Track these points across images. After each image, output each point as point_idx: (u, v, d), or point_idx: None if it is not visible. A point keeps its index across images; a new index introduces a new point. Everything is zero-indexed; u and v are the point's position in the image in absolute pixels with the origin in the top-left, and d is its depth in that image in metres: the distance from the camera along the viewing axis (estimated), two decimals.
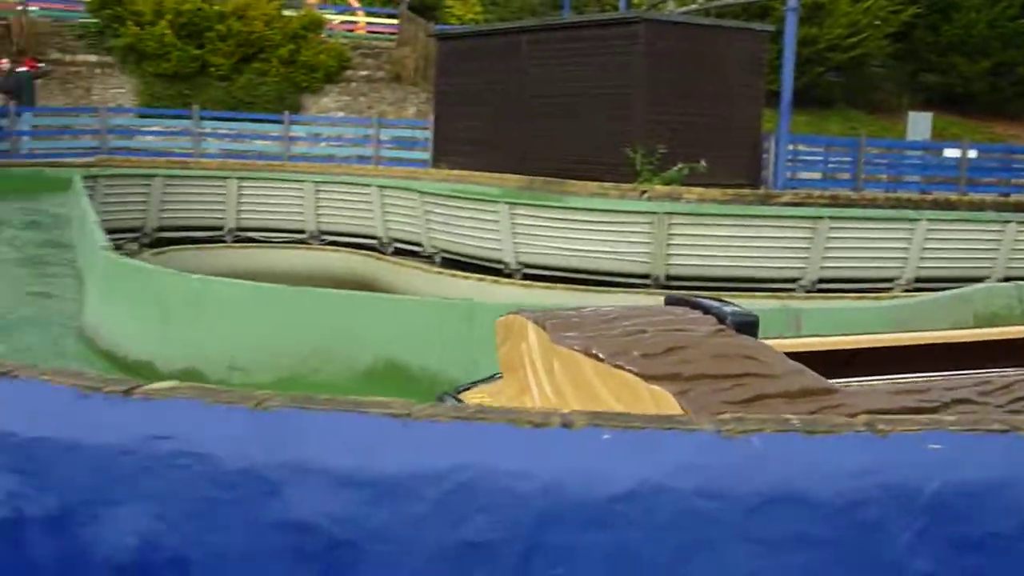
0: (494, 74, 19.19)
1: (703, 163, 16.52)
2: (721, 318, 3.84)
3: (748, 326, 3.81)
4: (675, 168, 16.36)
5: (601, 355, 3.49)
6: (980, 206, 18.09)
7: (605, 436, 2.04)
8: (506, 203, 14.81)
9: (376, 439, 2.14)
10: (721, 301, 3.94)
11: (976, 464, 1.99)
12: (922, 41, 33.00)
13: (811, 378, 3.25)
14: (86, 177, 15.66)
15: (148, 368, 5.32)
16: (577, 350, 3.63)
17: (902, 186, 20.85)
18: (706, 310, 3.88)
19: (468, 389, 4.00)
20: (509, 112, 18.73)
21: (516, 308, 4.43)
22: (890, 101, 34.09)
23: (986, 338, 4.23)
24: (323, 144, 22.63)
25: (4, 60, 20.30)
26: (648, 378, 3.24)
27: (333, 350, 4.83)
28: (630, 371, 3.32)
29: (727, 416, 2.07)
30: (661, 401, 3.08)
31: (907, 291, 13.79)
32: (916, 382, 3.48)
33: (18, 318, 7.23)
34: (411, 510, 2.08)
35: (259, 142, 21.69)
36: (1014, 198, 19.75)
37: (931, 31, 32.71)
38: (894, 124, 31.89)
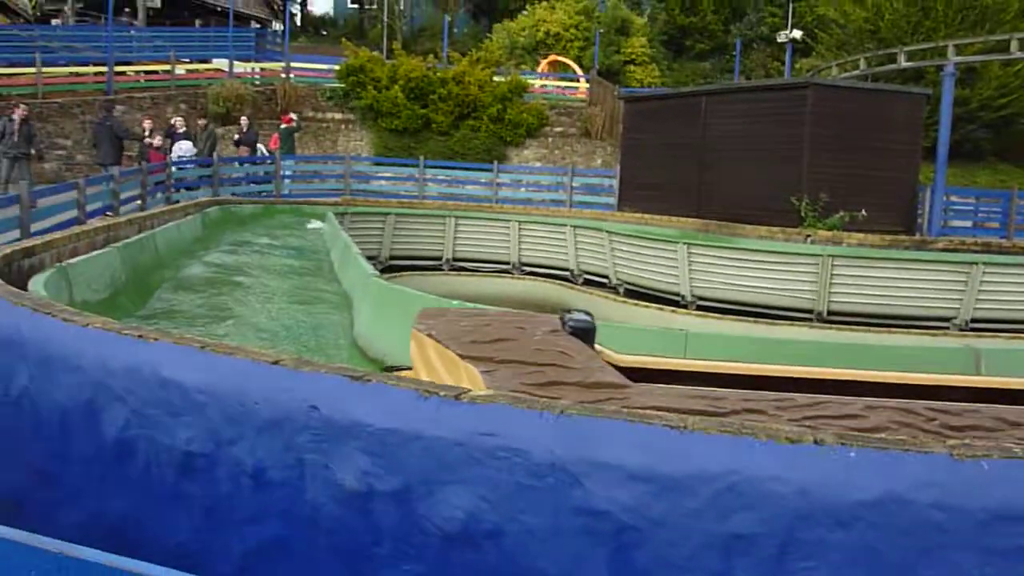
0: (675, 131, 19.19)
1: (863, 212, 16.04)
2: (563, 323, 3.95)
3: (583, 332, 3.87)
4: (837, 216, 15.95)
5: (439, 337, 3.69)
6: None
7: (851, 454, 2.15)
8: (684, 243, 14.80)
9: (658, 443, 2.34)
10: (584, 313, 4.01)
11: None
12: None
13: (609, 374, 3.29)
14: (336, 214, 16.59)
15: None
16: (423, 332, 3.94)
17: None
18: (562, 319, 4.03)
19: (399, 370, 4.26)
20: (687, 163, 18.69)
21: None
22: None
23: (876, 379, 3.95)
24: (523, 189, 22.97)
25: (243, 118, 20.99)
26: (465, 357, 3.41)
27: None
28: (454, 351, 3.48)
29: (957, 442, 2.14)
30: (471, 377, 3.27)
31: None
32: (716, 391, 3.37)
33: (300, 327, 7.79)
34: (687, 504, 2.25)
35: (471, 187, 22.22)
36: None
37: None
38: None
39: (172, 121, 19.34)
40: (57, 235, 7.65)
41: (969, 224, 20.03)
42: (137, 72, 25.59)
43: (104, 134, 16.66)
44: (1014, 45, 18.31)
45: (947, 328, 12.96)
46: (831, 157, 16.31)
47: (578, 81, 30.88)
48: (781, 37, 33.34)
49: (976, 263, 13.12)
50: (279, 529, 2.74)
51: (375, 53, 28.37)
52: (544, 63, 32.22)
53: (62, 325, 3.43)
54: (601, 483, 2.31)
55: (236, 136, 20.71)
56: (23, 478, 3.51)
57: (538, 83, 29.31)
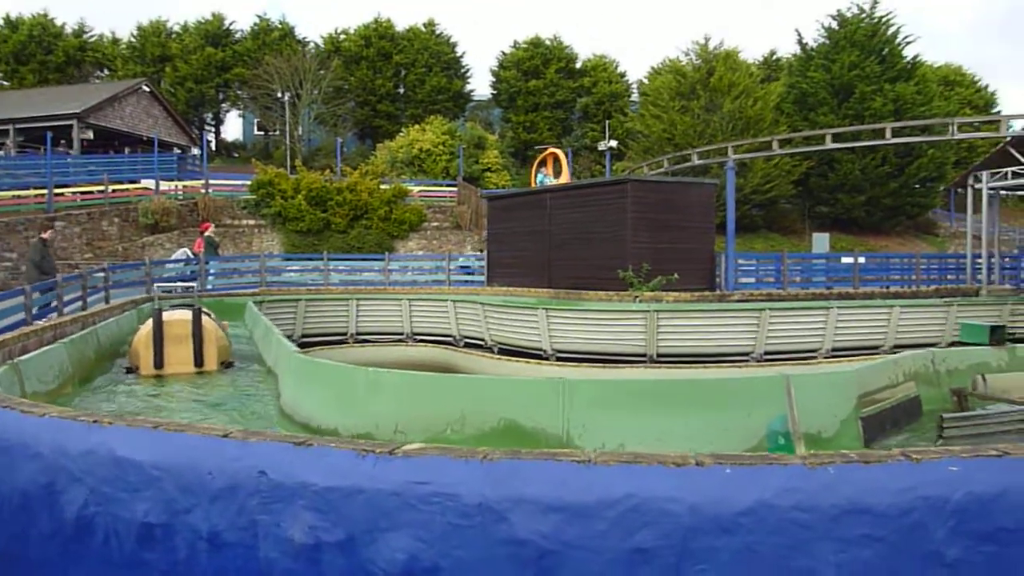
0: (527, 220, 19.48)
1: (675, 276, 16.62)
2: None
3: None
4: (656, 280, 16.45)
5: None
6: (871, 296, 18.03)
7: (727, 470, 2.10)
8: (543, 308, 14.85)
9: (568, 477, 2.22)
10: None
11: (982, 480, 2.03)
12: (816, 184, 33.34)
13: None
14: (255, 302, 15.82)
15: (335, 433, 5.34)
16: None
17: (813, 285, 20.79)
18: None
19: None
20: (539, 246, 18.96)
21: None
22: (796, 226, 34.32)
23: None
24: (410, 273, 22.77)
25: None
26: None
27: (467, 416, 4.82)
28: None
29: (808, 453, 2.14)
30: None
31: (827, 359, 13.66)
32: None
33: (232, 398, 7.31)
34: (595, 526, 2.15)
35: (367, 273, 21.82)
36: (893, 289, 19.70)
37: (822, 177, 33.09)
38: (801, 241, 32.07)
39: None
40: (7, 335, 6.96)
41: (753, 280, 21.05)
42: (74, 192, 24.14)
43: None
44: (775, 144, 19.62)
45: (747, 361, 13.40)
46: (648, 235, 16.86)
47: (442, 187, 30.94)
48: (601, 146, 34.70)
49: (764, 309, 13.69)
50: None
51: (281, 170, 27.78)
52: (544, 154, 31.18)
53: (20, 416, 3.05)
54: (522, 515, 2.18)
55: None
56: None
57: (416, 189, 29.32)
